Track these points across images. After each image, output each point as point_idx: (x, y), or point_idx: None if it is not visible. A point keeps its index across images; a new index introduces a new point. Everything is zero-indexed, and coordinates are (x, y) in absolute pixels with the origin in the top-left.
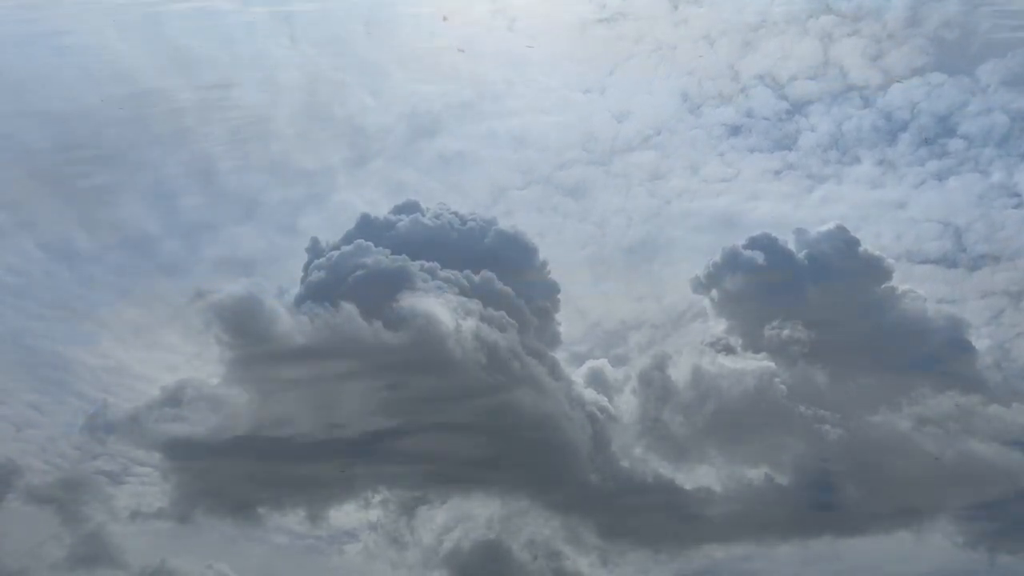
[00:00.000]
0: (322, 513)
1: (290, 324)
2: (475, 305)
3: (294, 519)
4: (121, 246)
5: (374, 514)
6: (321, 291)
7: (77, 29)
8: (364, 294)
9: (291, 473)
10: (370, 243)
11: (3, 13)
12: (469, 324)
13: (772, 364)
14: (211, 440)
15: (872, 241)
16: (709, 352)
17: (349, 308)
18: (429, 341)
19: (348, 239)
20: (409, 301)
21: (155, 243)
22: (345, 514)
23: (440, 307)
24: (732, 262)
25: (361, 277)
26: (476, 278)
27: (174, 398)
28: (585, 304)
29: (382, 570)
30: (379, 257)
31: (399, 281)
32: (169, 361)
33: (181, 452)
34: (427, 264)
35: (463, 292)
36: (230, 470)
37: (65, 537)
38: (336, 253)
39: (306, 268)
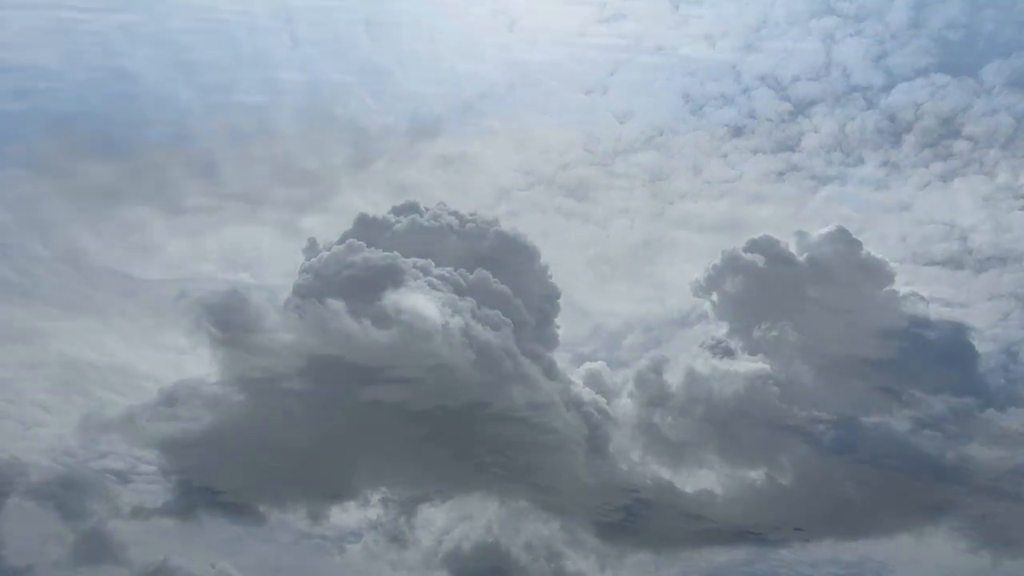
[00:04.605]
0: (323, 511)
1: (282, 324)
2: (467, 303)
3: (295, 517)
4: (126, 246)
5: (374, 512)
6: (311, 290)
7: (80, 29)
8: (353, 292)
9: (290, 471)
10: (363, 243)
11: (6, 13)
12: (457, 321)
13: (769, 367)
14: (210, 438)
15: (877, 243)
16: (710, 355)
17: (337, 306)
18: (416, 338)
19: (344, 239)
20: (396, 298)
21: (159, 243)
22: (346, 512)
23: (427, 303)
24: (732, 265)
25: (350, 275)
26: (471, 276)
27: (175, 397)
28: (587, 305)
29: (383, 570)
30: (369, 255)
31: (389, 279)
32: (174, 361)
33: (182, 450)
34: (420, 262)
35: (457, 290)
36: (230, 468)
37: (69, 535)
38: (327, 253)
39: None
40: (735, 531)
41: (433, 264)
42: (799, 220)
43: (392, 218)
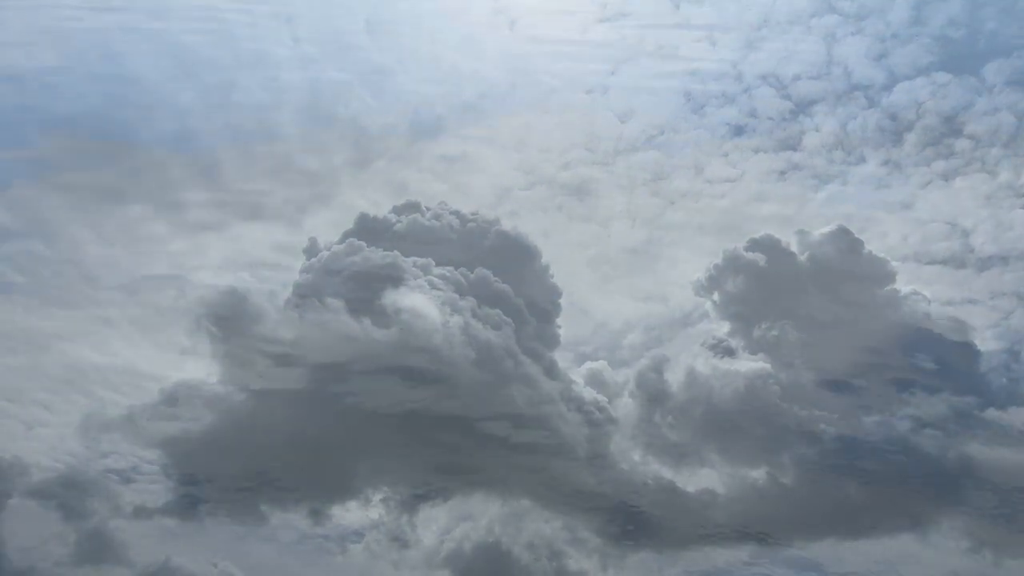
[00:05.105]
0: (324, 511)
1: (282, 323)
2: (467, 302)
3: (297, 517)
4: (127, 246)
5: (375, 512)
6: (311, 290)
7: (80, 29)
8: (353, 291)
9: (292, 470)
10: (363, 242)
11: (8, 13)
12: (457, 320)
13: (770, 367)
14: (212, 438)
15: (878, 242)
16: (711, 354)
17: (337, 305)
18: (416, 337)
19: (345, 239)
20: (396, 297)
21: (160, 243)
22: (348, 511)
23: (426, 303)
24: (733, 264)
25: (350, 275)
26: (472, 276)
27: (176, 397)
28: (588, 305)
29: (385, 570)
30: (369, 255)
31: (389, 278)
32: (175, 360)
33: (183, 450)
34: (420, 261)
35: (458, 290)
36: (231, 468)
37: (71, 534)
38: (327, 253)
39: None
40: (737, 530)
41: (433, 263)
42: (800, 219)
43: (393, 218)
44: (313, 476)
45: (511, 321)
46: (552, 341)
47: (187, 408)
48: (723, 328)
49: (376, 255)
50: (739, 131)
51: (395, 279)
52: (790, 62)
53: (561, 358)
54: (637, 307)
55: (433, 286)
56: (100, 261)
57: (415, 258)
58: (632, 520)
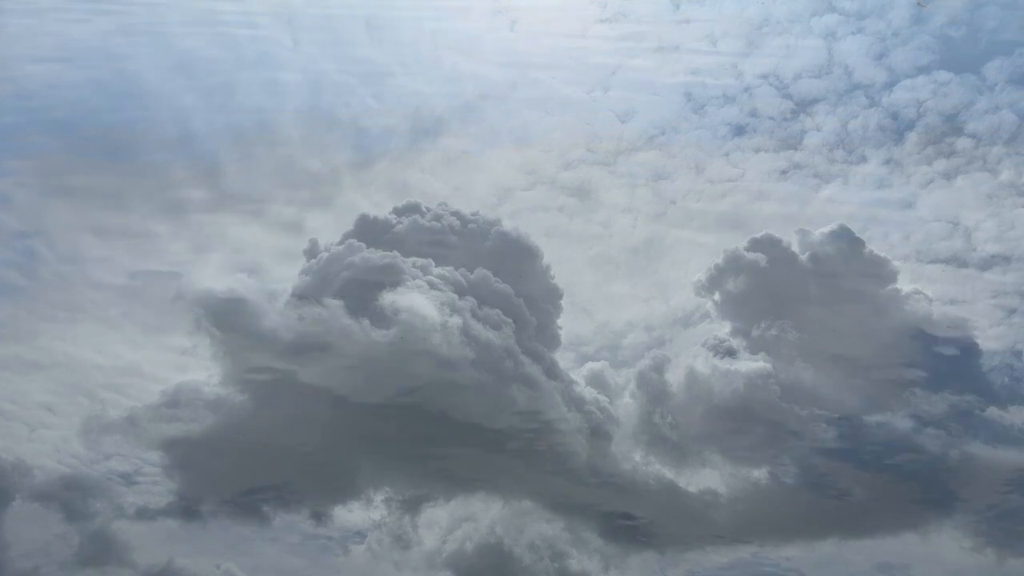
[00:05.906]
0: (326, 512)
1: (282, 324)
2: (467, 303)
3: (299, 518)
4: (128, 248)
5: (377, 513)
6: (310, 291)
7: (81, 32)
8: (352, 292)
9: (293, 471)
10: (363, 243)
11: (9, 15)
12: (456, 321)
13: (771, 366)
14: (213, 439)
15: (879, 241)
16: (712, 354)
17: (336, 306)
18: (415, 337)
19: (345, 240)
20: (395, 298)
21: (161, 245)
22: (350, 512)
23: (425, 303)
24: (734, 264)
25: (349, 275)
26: (472, 276)
27: (177, 398)
28: (589, 305)
29: (387, 570)
30: (368, 255)
31: (388, 278)
32: (176, 362)
33: (185, 451)
34: (420, 261)
35: (457, 290)
36: (233, 469)
37: (74, 536)
38: (327, 254)
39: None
40: (739, 530)
41: (433, 264)
42: (801, 219)
43: (393, 219)
44: (315, 477)
45: (511, 321)
46: (553, 341)
47: (188, 409)
48: (724, 328)
49: (375, 256)
50: (740, 131)
51: (394, 280)
52: (791, 61)
53: (562, 358)
54: (638, 307)
55: (433, 286)
56: (100, 261)
57: (415, 259)
58: (634, 520)
